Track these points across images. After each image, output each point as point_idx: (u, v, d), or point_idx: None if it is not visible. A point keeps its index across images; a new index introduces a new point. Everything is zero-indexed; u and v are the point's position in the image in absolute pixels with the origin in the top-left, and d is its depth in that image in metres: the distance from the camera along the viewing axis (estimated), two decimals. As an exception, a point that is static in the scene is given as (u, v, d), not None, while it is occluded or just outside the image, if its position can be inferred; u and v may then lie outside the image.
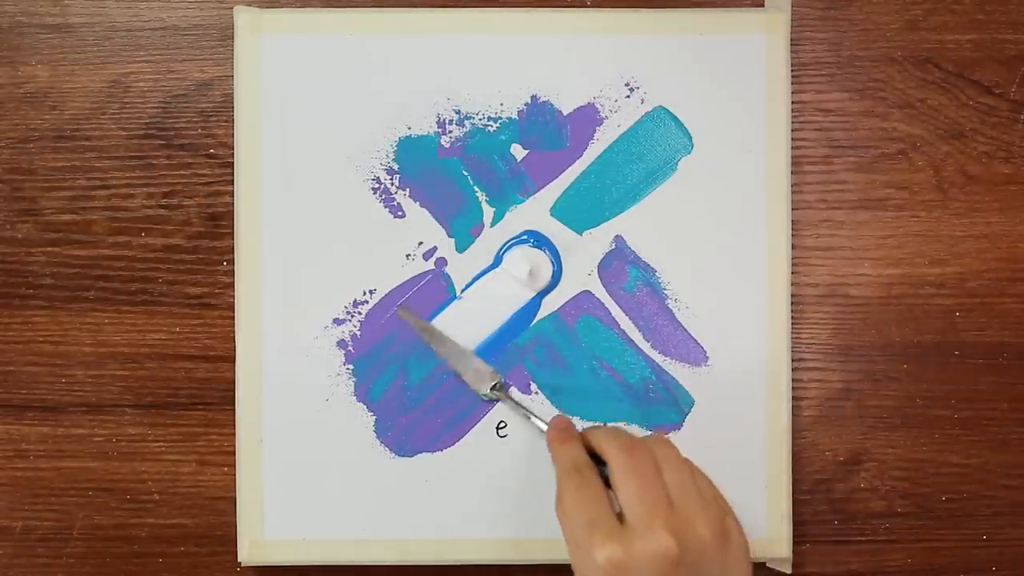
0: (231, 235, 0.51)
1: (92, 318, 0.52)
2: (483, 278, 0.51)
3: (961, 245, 0.52)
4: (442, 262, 0.51)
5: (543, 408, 0.50)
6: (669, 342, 0.51)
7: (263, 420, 0.50)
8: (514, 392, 0.50)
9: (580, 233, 0.51)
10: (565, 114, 0.51)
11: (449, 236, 0.51)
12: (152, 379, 0.52)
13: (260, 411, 0.50)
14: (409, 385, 0.50)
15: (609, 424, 0.48)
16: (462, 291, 0.51)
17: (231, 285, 0.51)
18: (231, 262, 0.51)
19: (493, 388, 0.50)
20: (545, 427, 0.48)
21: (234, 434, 0.50)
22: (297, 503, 0.50)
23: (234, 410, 0.50)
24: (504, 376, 0.50)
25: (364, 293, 0.50)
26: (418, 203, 0.51)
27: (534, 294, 0.51)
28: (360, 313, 0.50)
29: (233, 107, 0.50)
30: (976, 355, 0.52)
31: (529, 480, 0.50)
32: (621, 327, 0.51)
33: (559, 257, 0.50)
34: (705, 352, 0.50)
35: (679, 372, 0.50)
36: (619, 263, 0.51)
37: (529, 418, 0.49)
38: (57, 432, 0.52)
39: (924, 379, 0.52)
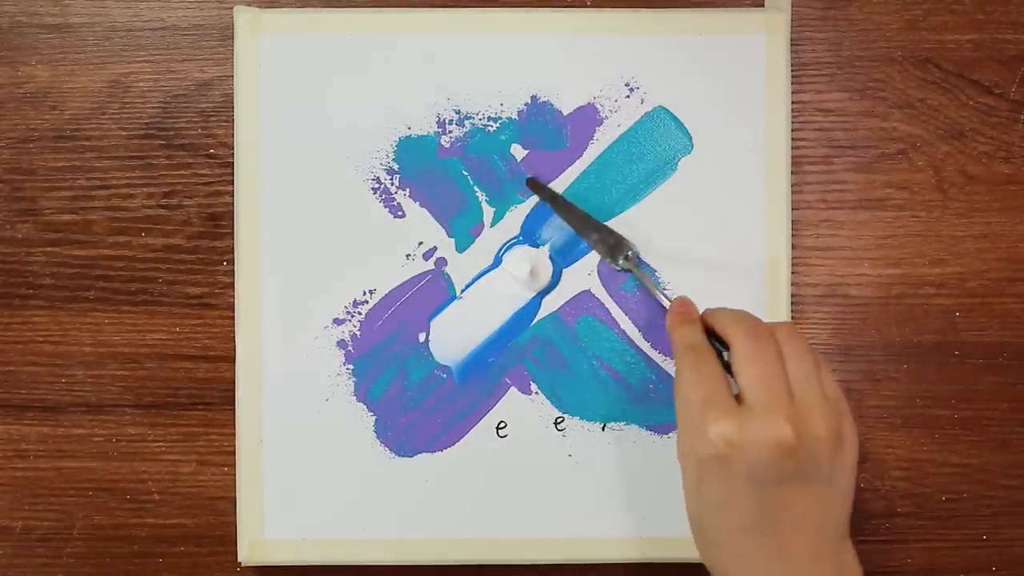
0: (231, 235, 0.51)
1: (92, 318, 0.52)
2: (483, 278, 0.51)
3: (961, 245, 0.52)
4: (442, 262, 0.51)
5: (543, 408, 0.50)
6: (669, 342, 0.50)
7: (263, 420, 0.50)
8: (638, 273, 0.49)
9: (580, 233, 0.51)
10: (565, 114, 0.51)
11: (449, 236, 0.51)
12: (152, 379, 0.52)
13: (260, 411, 0.50)
14: (409, 385, 0.50)
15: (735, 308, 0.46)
16: (462, 291, 0.51)
17: (231, 285, 0.51)
18: (231, 262, 0.51)
19: (626, 258, 0.49)
20: (666, 302, 0.47)
21: (234, 434, 0.50)
22: (297, 503, 0.50)
23: (234, 410, 0.50)
24: (504, 376, 0.50)
25: (364, 293, 0.50)
26: (418, 203, 0.51)
27: (534, 294, 0.51)
28: (360, 313, 0.50)
29: (233, 107, 0.50)
30: (976, 355, 0.52)
31: (529, 480, 0.50)
32: (621, 327, 0.51)
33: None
34: (705, 352, 0.50)
35: (679, 372, 0.50)
36: (619, 263, 0.51)
37: (655, 294, 0.48)
38: (57, 432, 0.52)
39: (924, 379, 0.52)
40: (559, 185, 0.51)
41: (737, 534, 0.41)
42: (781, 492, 0.40)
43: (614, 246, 0.50)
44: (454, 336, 0.51)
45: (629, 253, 0.49)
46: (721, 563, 0.42)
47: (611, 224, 0.50)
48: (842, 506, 0.41)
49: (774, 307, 0.50)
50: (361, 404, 0.50)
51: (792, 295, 0.51)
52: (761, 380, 0.41)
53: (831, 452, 0.41)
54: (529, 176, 0.50)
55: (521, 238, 0.51)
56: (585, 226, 0.50)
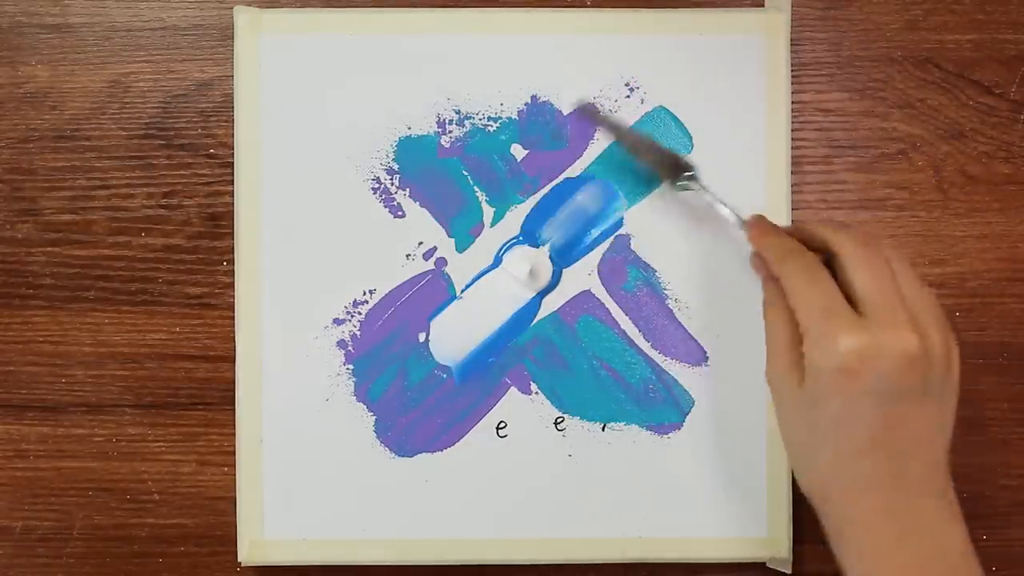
0: (231, 235, 0.51)
1: (92, 318, 0.52)
2: (483, 278, 0.51)
3: (961, 245, 0.52)
4: (442, 262, 0.51)
5: (543, 408, 0.50)
6: (669, 342, 0.51)
7: (263, 420, 0.50)
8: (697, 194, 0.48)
9: (580, 233, 0.51)
10: (565, 114, 0.51)
11: (449, 236, 0.51)
12: (152, 379, 0.52)
13: (260, 411, 0.50)
14: (409, 385, 0.50)
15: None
16: (462, 291, 0.51)
17: (231, 285, 0.51)
18: (231, 262, 0.51)
19: (686, 177, 0.48)
20: (734, 218, 0.45)
21: (234, 434, 0.50)
22: (297, 503, 0.50)
23: (234, 410, 0.50)
24: (504, 376, 0.50)
25: (364, 293, 0.50)
26: (418, 203, 0.51)
27: (534, 294, 0.51)
28: (360, 313, 0.50)
29: (233, 107, 0.50)
30: (976, 355, 0.52)
31: (529, 480, 0.50)
32: (621, 327, 0.51)
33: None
34: (705, 352, 0.50)
35: (679, 372, 0.50)
36: (619, 263, 0.51)
37: (721, 210, 0.46)
38: (57, 432, 0.52)
39: (924, 379, 0.52)
40: (559, 184, 0.51)
41: (852, 456, 0.39)
42: (901, 408, 0.39)
43: (673, 165, 0.48)
44: (454, 336, 0.51)
45: (689, 173, 0.48)
46: (827, 489, 0.40)
47: (611, 224, 0.50)
48: (950, 427, 0.40)
49: (774, 307, 0.50)
50: (361, 404, 0.50)
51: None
52: (881, 290, 0.39)
53: (945, 367, 0.40)
54: (581, 103, 0.48)
55: (521, 238, 0.51)
56: (645, 147, 0.49)
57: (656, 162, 0.49)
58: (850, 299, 0.40)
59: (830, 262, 0.41)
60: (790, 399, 0.41)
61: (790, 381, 0.41)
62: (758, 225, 0.44)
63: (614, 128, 0.49)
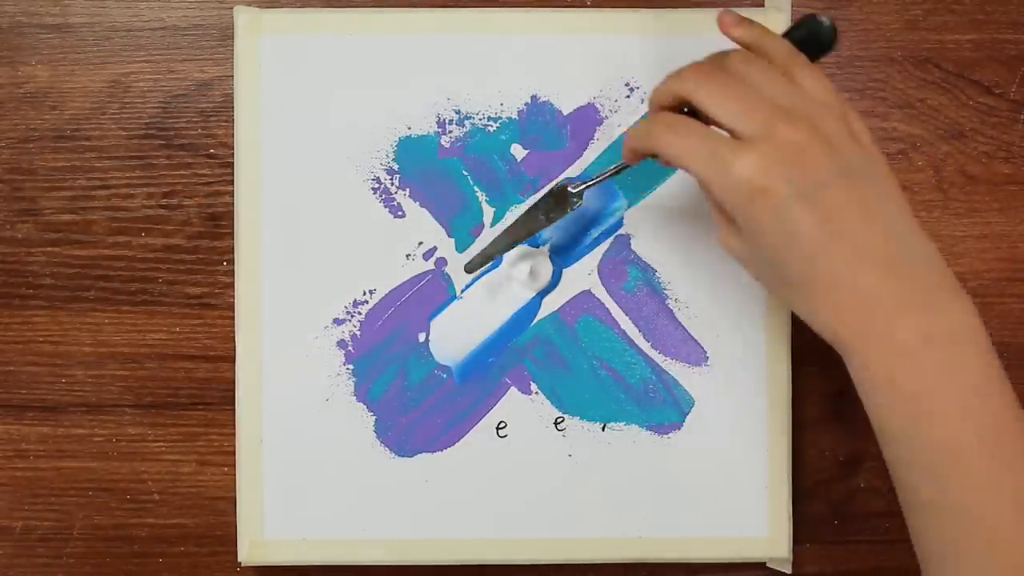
0: (231, 235, 0.51)
1: (92, 318, 0.52)
2: (483, 278, 0.51)
3: (961, 245, 0.52)
4: (442, 262, 0.51)
5: (543, 408, 0.50)
6: (669, 342, 0.51)
7: (263, 420, 0.50)
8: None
9: (580, 233, 0.51)
10: (565, 114, 0.51)
11: (449, 236, 0.51)
12: (152, 379, 0.52)
13: (260, 411, 0.50)
14: (409, 385, 0.50)
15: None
16: (462, 291, 0.51)
17: (231, 285, 0.51)
18: (231, 262, 0.51)
19: (575, 196, 0.47)
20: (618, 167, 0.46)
21: (234, 434, 0.50)
22: (297, 503, 0.50)
23: (234, 410, 0.50)
24: (504, 376, 0.50)
25: (364, 293, 0.50)
26: (418, 203, 0.51)
27: (534, 294, 0.51)
28: (360, 313, 0.50)
29: (233, 107, 0.50)
30: (976, 355, 0.52)
31: (529, 480, 0.50)
32: (621, 327, 0.51)
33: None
34: (705, 352, 0.50)
35: (679, 372, 0.50)
36: (619, 263, 0.51)
37: (610, 171, 0.46)
38: (57, 432, 0.52)
39: (924, 379, 0.52)
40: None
41: (809, 258, 0.39)
42: (830, 196, 0.38)
43: (559, 199, 0.48)
44: (454, 336, 0.51)
45: (571, 190, 0.48)
46: (807, 303, 0.40)
47: (611, 224, 0.50)
48: (898, 196, 0.40)
49: (774, 307, 0.50)
50: (361, 404, 0.50)
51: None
52: (742, 106, 0.39)
53: (851, 141, 0.39)
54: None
55: (521, 238, 0.51)
56: (524, 227, 0.49)
57: (544, 214, 0.48)
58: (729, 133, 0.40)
59: (694, 111, 0.41)
60: (746, 254, 0.41)
61: (734, 239, 0.41)
62: (630, 132, 0.44)
63: (492, 250, 0.49)
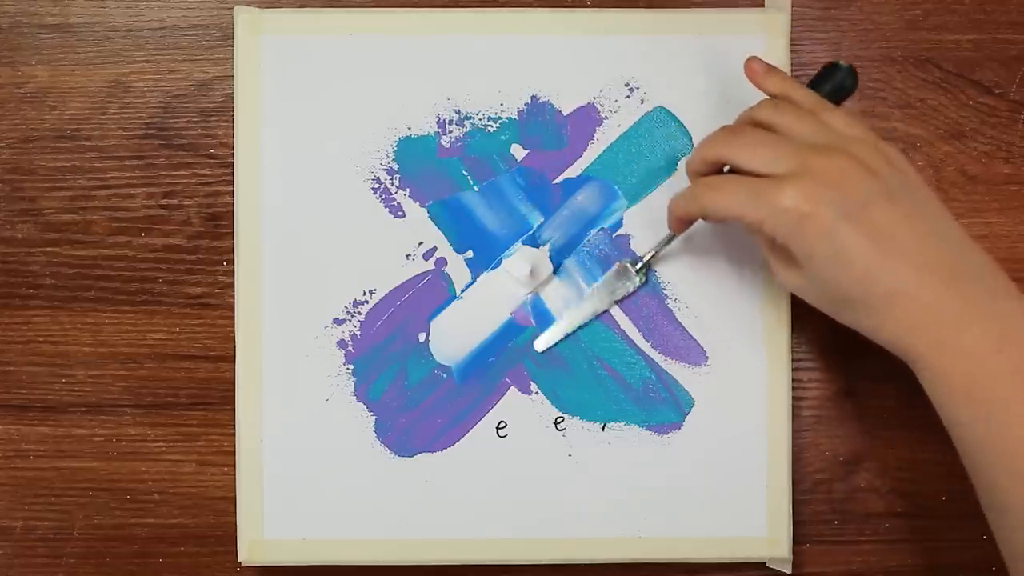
0: (231, 235, 0.51)
1: (92, 318, 0.52)
2: (483, 278, 0.51)
3: (961, 245, 0.52)
4: (442, 262, 0.51)
5: (543, 408, 0.50)
6: (669, 342, 0.51)
7: (263, 420, 0.50)
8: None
9: (580, 233, 0.51)
10: (565, 114, 0.51)
11: (449, 236, 0.51)
12: (152, 379, 0.52)
13: (260, 411, 0.50)
14: (409, 385, 0.50)
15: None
16: (462, 291, 0.51)
17: (231, 285, 0.51)
18: (231, 262, 0.51)
19: (638, 270, 0.50)
20: (666, 235, 0.48)
21: (234, 434, 0.50)
22: (297, 503, 0.50)
23: (234, 410, 0.50)
24: (504, 376, 0.50)
25: (364, 293, 0.50)
26: (418, 203, 0.51)
27: (534, 294, 0.51)
28: (360, 313, 0.50)
29: (233, 107, 0.50)
30: (976, 355, 0.52)
31: (529, 480, 0.50)
32: (621, 327, 0.51)
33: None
34: (705, 352, 0.50)
35: (679, 372, 0.50)
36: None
37: (661, 247, 0.49)
38: (57, 432, 0.52)
39: (924, 379, 0.52)
40: (558, 184, 0.51)
41: (865, 276, 0.40)
42: (875, 216, 0.39)
43: (622, 275, 0.50)
44: (454, 336, 0.51)
45: (629, 266, 0.50)
46: (871, 320, 0.41)
47: (611, 224, 0.50)
48: (938, 205, 0.41)
49: (774, 306, 0.50)
50: (361, 404, 0.50)
51: (792, 294, 0.51)
52: (772, 156, 0.41)
53: (888, 165, 0.41)
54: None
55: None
56: (591, 307, 0.50)
57: (613, 286, 0.50)
58: None
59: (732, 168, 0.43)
60: (804, 286, 0.42)
61: (790, 274, 0.42)
62: (673, 210, 0.46)
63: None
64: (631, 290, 0.50)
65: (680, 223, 0.47)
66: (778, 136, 0.42)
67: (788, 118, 0.42)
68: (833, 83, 0.45)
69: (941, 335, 0.40)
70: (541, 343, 0.50)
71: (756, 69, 0.45)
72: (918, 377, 0.41)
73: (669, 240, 0.49)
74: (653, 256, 0.49)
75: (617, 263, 0.50)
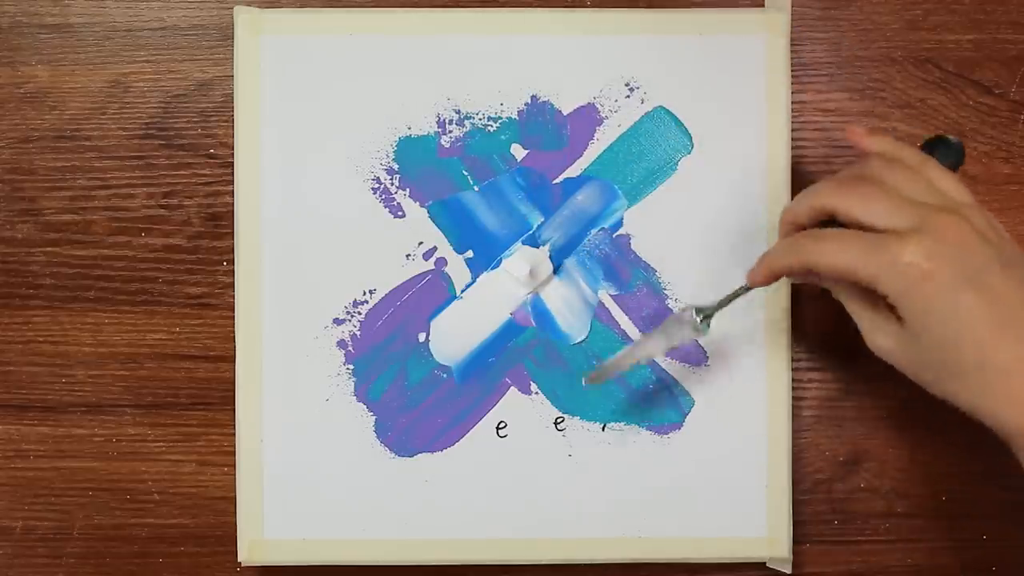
0: (231, 235, 0.51)
1: (92, 318, 0.52)
2: (483, 278, 0.51)
3: (961, 245, 0.52)
4: (442, 262, 0.51)
5: (543, 408, 0.50)
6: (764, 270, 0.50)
7: (263, 420, 0.50)
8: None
9: (580, 233, 0.51)
10: (565, 114, 0.51)
11: (449, 236, 0.51)
12: (152, 379, 0.52)
13: (260, 411, 0.50)
14: (409, 385, 0.50)
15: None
16: (462, 291, 0.51)
17: (231, 285, 0.51)
18: (231, 262, 0.51)
19: (702, 318, 0.47)
20: (749, 293, 0.46)
21: (234, 434, 0.50)
22: (297, 503, 0.50)
23: (234, 410, 0.50)
24: (504, 376, 0.50)
25: (364, 293, 0.50)
26: (418, 203, 0.51)
27: (534, 294, 0.51)
28: (360, 313, 0.50)
29: (233, 107, 0.50)
30: (976, 355, 0.52)
31: (529, 480, 0.50)
32: (621, 327, 0.51)
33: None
34: (705, 352, 0.51)
35: (679, 372, 0.50)
36: (619, 263, 0.51)
37: (734, 297, 0.46)
38: (57, 432, 0.52)
39: (924, 379, 0.52)
40: (558, 184, 0.51)
41: (981, 344, 0.39)
42: (992, 282, 0.39)
43: (684, 324, 0.47)
44: (454, 336, 0.51)
45: (694, 315, 0.47)
46: (974, 390, 0.40)
47: (611, 224, 0.50)
48: None
49: (774, 306, 0.50)
50: (361, 404, 0.50)
51: (792, 294, 0.51)
52: (893, 207, 0.40)
53: (996, 235, 0.41)
54: None
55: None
56: (644, 349, 0.48)
57: (663, 346, 0.48)
58: None
59: (838, 222, 0.42)
60: (900, 348, 0.41)
61: (883, 336, 0.41)
62: (767, 262, 0.44)
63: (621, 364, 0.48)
64: (693, 340, 0.48)
65: (771, 276, 0.44)
66: (893, 193, 0.41)
67: (900, 176, 0.41)
68: (940, 157, 0.44)
69: None
70: (587, 377, 0.49)
71: (859, 133, 0.44)
72: (1018, 456, 0.40)
73: (744, 291, 0.46)
74: (719, 308, 0.47)
75: (677, 308, 0.49)
